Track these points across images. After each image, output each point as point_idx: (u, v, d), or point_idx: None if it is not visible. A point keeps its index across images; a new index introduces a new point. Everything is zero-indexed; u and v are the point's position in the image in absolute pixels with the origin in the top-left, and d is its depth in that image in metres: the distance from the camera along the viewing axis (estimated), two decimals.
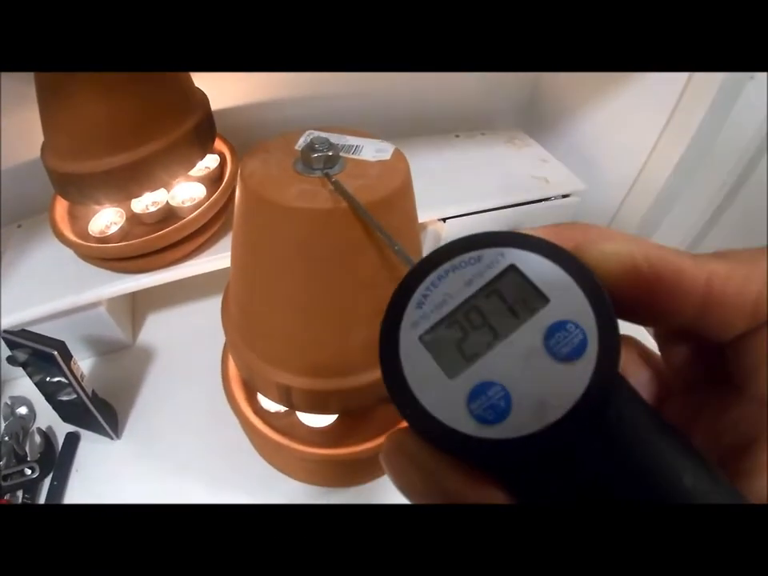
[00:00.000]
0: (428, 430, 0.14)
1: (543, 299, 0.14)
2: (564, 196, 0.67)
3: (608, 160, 0.71)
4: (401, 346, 0.15)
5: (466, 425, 0.13)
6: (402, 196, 0.36)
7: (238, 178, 0.36)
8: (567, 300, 0.14)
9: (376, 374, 0.40)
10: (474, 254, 0.15)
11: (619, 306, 0.14)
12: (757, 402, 0.14)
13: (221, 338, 0.51)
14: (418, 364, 0.14)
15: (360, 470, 0.50)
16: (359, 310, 0.37)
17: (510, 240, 0.15)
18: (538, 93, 0.79)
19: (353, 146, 0.38)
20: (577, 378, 0.13)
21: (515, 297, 0.14)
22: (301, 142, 0.38)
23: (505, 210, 0.64)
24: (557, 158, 0.71)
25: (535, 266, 0.14)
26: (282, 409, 0.49)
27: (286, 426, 0.48)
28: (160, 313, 0.67)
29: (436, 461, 0.14)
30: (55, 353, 0.47)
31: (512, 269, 0.15)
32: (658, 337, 0.18)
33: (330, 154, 0.35)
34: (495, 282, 0.15)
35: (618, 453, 0.13)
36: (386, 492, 0.52)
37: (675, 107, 0.60)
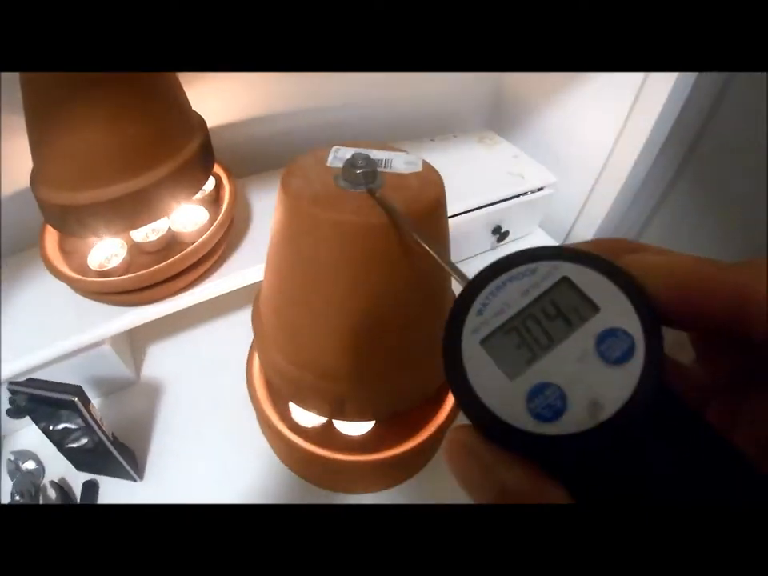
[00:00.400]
0: (490, 427, 0.15)
1: (594, 308, 0.16)
2: (539, 189, 0.71)
3: (575, 152, 0.76)
4: (463, 350, 0.16)
5: (526, 422, 0.15)
6: (442, 204, 0.38)
7: (282, 198, 0.36)
8: (616, 309, 0.15)
9: (425, 375, 0.41)
10: (529, 266, 0.17)
11: (661, 313, 0.15)
12: None
13: (226, 363, 0.51)
14: (480, 367, 0.16)
15: (397, 473, 0.51)
16: (417, 317, 0.38)
17: (562, 254, 0.17)
18: (503, 92, 0.83)
19: (383, 159, 0.39)
20: (626, 379, 0.14)
21: (568, 306, 0.16)
22: (331, 159, 0.39)
23: (487, 207, 0.67)
24: (527, 154, 0.75)
25: (586, 278, 0.16)
26: (318, 422, 0.49)
27: (324, 438, 0.48)
28: (159, 344, 0.64)
29: (495, 456, 0.15)
30: (75, 399, 0.44)
31: (565, 280, 0.16)
32: (695, 342, 0.19)
33: (370, 169, 0.36)
34: (550, 292, 0.16)
35: (663, 449, 0.15)
36: (424, 491, 0.53)
37: (637, 96, 0.64)
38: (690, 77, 0.61)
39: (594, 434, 0.14)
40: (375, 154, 0.40)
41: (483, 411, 0.15)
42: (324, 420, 0.49)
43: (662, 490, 0.14)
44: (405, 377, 0.41)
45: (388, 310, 0.37)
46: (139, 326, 0.62)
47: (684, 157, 0.77)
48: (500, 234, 0.72)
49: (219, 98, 0.61)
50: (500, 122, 0.85)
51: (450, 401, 0.51)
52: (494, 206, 0.68)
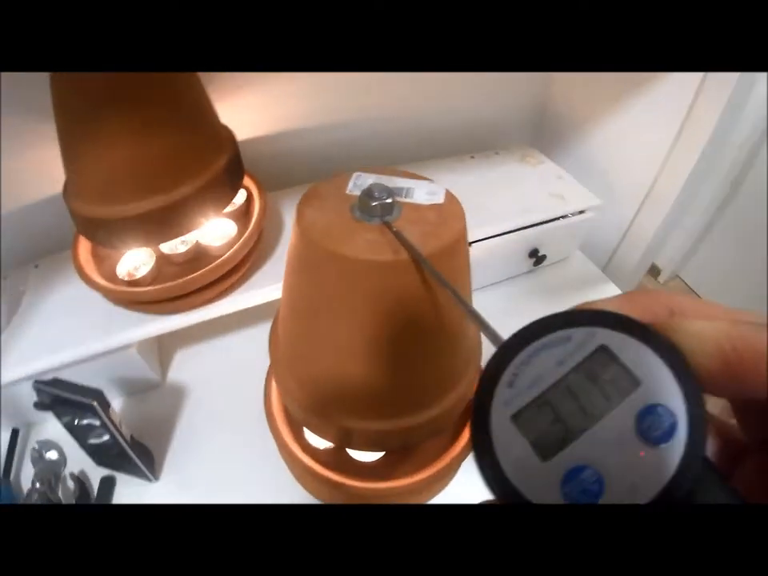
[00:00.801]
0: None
1: (634, 381, 0.14)
2: (581, 212, 0.68)
3: (620, 174, 0.72)
4: (492, 425, 0.15)
5: None
6: (461, 241, 0.37)
7: (295, 227, 0.36)
8: (658, 383, 0.14)
9: (433, 412, 0.40)
10: (563, 333, 0.15)
11: (704, 384, 0.14)
12: None
13: (251, 373, 0.51)
14: (510, 444, 0.15)
15: (409, 500, 0.50)
16: (424, 354, 0.37)
17: (598, 320, 0.15)
18: (548, 108, 0.80)
19: (403, 188, 0.38)
20: (666, 461, 0.13)
21: (606, 378, 0.15)
22: (351, 186, 0.38)
23: (525, 230, 0.65)
24: (570, 175, 0.72)
25: (625, 347, 0.15)
26: (330, 445, 0.49)
27: (335, 461, 0.48)
28: (188, 349, 0.66)
29: None
30: (95, 403, 0.46)
31: (602, 349, 0.15)
32: (733, 404, 0.18)
33: (389, 201, 0.35)
34: (586, 362, 0.15)
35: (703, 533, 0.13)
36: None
37: (685, 118, 0.61)
38: (744, 95, 0.56)
39: None
40: (395, 182, 0.39)
41: (513, 495, 0.14)
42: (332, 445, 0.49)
43: None
44: (414, 414, 0.40)
45: (397, 347, 0.36)
46: (169, 332, 0.64)
47: (734, 181, 0.73)
48: (537, 258, 0.70)
49: (253, 110, 0.61)
50: (544, 139, 0.82)
51: (466, 434, 0.50)
52: (532, 228, 0.66)
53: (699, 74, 0.58)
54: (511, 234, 0.64)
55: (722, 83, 0.56)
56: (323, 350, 0.38)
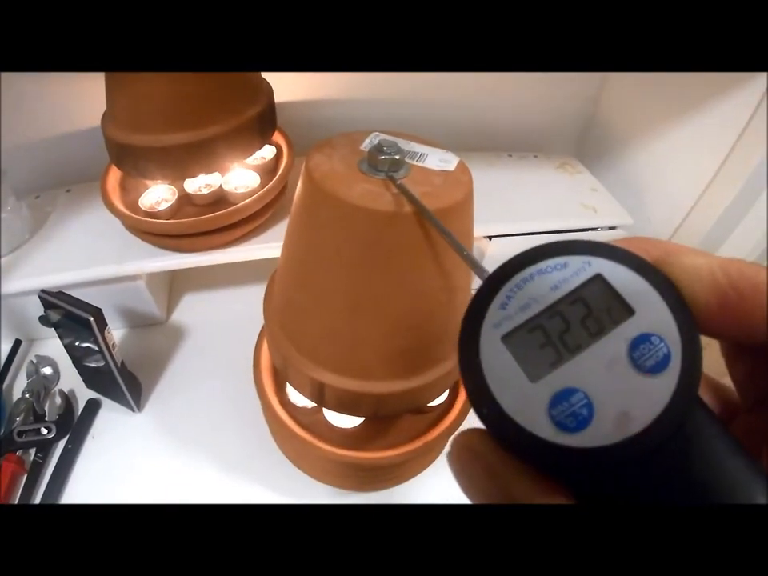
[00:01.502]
0: (505, 432, 0.14)
1: (628, 310, 0.14)
2: (611, 228, 0.66)
3: (658, 197, 0.70)
4: (481, 345, 0.15)
5: (545, 430, 0.13)
6: (464, 209, 0.36)
7: (303, 170, 0.36)
8: (652, 313, 0.14)
9: (411, 383, 0.39)
10: (560, 259, 0.15)
11: (699, 320, 0.14)
12: None
13: (254, 327, 0.52)
14: (498, 364, 0.14)
15: (378, 477, 0.49)
16: (407, 317, 0.36)
17: (597, 249, 0.15)
18: (595, 121, 0.79)
19: (418, 153, 0.38)
20: (659, 391, 0.13)
21: (600, 306, 0.14)
22: (367, 143, 0.38)
23: (551, 234, 0.64)
24: (606, 189, 0.70)
25: (621, 277, 0.14)
26: (309, 405, 0.48)
27: (310, 422, 0.48)
28: (197, 294, 0.67)
29: (505, 464, 0.14)
30: (91, 319, 0.47)
31: (598, 278, 0.15)
32: (726, 351, 0.17)
33: (397, 157, 0.35)
34: (581, 289, 0.15)
35: (693, 469, 0.13)
36: (403, 498, 0.51)
37: (731, 150, 0.59)
38: None
39: (620, 449, 0.13)
40: (411, 146, 0.38)
41: (498, 413, 0.14)
42: (314, 404, 0.49)
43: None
44: (390, 380, 0.39)
45: (379, 305, 0.36)
46: (181, 274, 0.66)
47: None
48: None
49: (297, 74, 0.62)
50: (586, 150, 0.80)
51: (450, 417, 0.49)
52: (558, 234, 0.64)
53: (753, 102, 0.55)
54: (535, 235, 0.63)
55: None
56: (308, 298, 0.38)
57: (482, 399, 0.14)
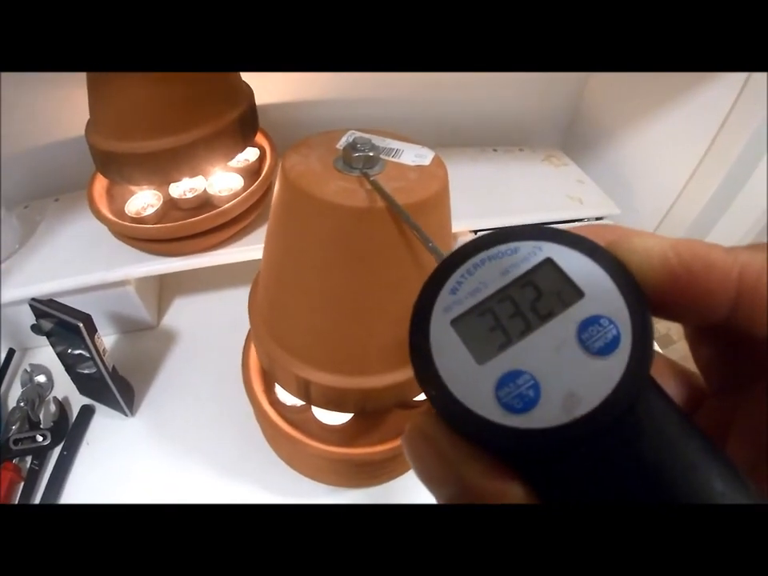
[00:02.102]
0: (452, 413, 0.14)
1: (578, 293, 0.14)
2: (597, 219, 0.66)
3: (644, 186, 0.70)
4: (431, 329, 0.15)
5: (492, 412, 0.13)
6: (438, 202, 0.36)
7: (279, 170, 0.36)
8: (602, 295, 0.14)
9: (396, 377, 0.40)
10: (511, 245, 0.15)
11: (652, 302, 0.14)
12: None
13: (244, 328, 0.52)
14: (447, 348, 0.15)
15: (370, 473, 0.50)
16: (386, 311, 0.37)
17: (547, 234, 0.15)
18: (580, 113, 0.79)
19: (393, 149, 0.38)
20: (608, 373, 0.13)
21: (550, 289, 0.14)
22: (343, 141, 0.39)
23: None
24: (593, 180, 0.70)
25: (571, 261, 0.15)
26: (298, 403, 0.49)
27: (300, 420, 0.48)
28: (186, 298, 0.68)
29: (456, 447, 0.14)
30: (81, 325, 0.48)
31: (548, 262, 0.15)
32: (689, 335, 0.17)
33: (371, 154, 0.35)
34: (531, 273, 0.15)
35: (644, 451, 0.13)
36: (394, 496, 0.51)
37: (714, 139, 0.60)
38: None
39: (568, 430, 0.13)
40: (387, 143, 0.39)
41: (446, 396, 0.14)
42: (303, 402, 0.49)
43: (639, 494, 0.13)
44: (373, 375, 0.39)
45: (359, 300, 0.36)
46: (171, 278, 0.66)
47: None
48: None
49: (279, 76, 0.62)
50: (571, 142, 0.80)
51: None
52: (546, 226, 0.64)
53: (734, 91, 0.56)
54: None
55: (755, 106, 0.54)
56: (290, 296, 0.39)
57: (431, 383, 0.14)
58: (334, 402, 0.42)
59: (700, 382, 0.18)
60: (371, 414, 0.48)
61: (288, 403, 0.49)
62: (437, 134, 0.72)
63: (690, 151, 0.63)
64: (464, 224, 0.61)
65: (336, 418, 0.48)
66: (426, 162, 0.37)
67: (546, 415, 0.13)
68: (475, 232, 0.62)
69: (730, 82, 0.57)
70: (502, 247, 0.15)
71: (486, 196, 0.64)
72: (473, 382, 0.14)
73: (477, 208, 0.62)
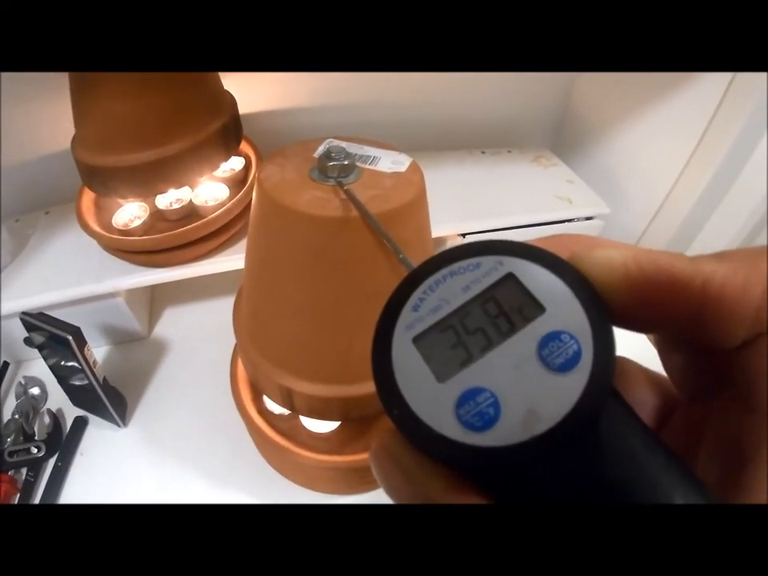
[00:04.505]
0: (413, 432, 0.14)
1: (539, 308, 0.14)
2: (588, 218, 0.66)
3: (634, 184, 0.70)
4: (393, 347, 0.15)
5: (453, 430, 0.13)
6: (414, 209, 0.36)
7: (255, 181, 0.37)
8: (563, 310, 0.14)
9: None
10: (472, 260, 0.15)
11: (616, 314, 0.14)
12: (758, 414, 0.13)
13: (234, 338, 0.52)
14: (408, 366, 0.14)
15: (360, 480, 0.50)
16: (366, 320, 0.36)
17: (509, 249, 0.15)
18: (568, 113, 0.79)
19: (371, 156, 0.38)
20: (569, 389, 0.13)
21: (511, 305, 0.14)
22: (320, 150, 0.39)
23: (526, 228, 0.64)
24: (582, 180, 0.70)
25: (533, 276, 0.14)
26: (286, 411, 0.49)
27: (288, 428, 0.48)
28: (177, 308, 0.68)
29: (419, 465, 0.14)
30: (70, 338, 0.48)
31: (510, 277, 0.15)
32: (658, 346, 0.17)
33: (346, 163, 0.35)
34: (492, 289, 0.15)
35: (607, 468, 0.13)
36: (385, 502, 0.51)
37: (703, 135, 0.59)
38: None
39: (527, 447, 0.13)
40: (364, 150, 0.39)
41: (407, 415, 0.14)
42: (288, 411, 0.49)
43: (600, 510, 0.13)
44: (355, 384, 0.39)
45: (338, 308, 0.36)
46: (161, 289, 0.67)
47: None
48: None
49: (265, 84, 0.63)
50: (560, 142, 0.80)
51: None
52: (534, 228, 0.64)
53: (721, 86, 0.55)
54: (509, 230, 0.63)
55: (743, 101, 0.54)
56: (270, 306, 0.39)
57: (392, 401, 0.14)
58: (317, 411, 0.42)
59: (672, 389, 0.18)
60: (358, 420, 0.48)
61: (276, 412, 0.49)
62: (424, 138, 0.71)
63: (679, 148, 0.62)
64: (452, 227, 0.61)
65: (324, 426, 0.48)
66: (403, 168, 0.37)
67: (506, 433, 0.13)
68: (464, 235, 0.62)
69: (717, 77, 0.56)
70: (464, 263, 0.15)
71: (475, 199, 0.64)
72: (434, 400, 0.14)
73: (465, 211, 0.62)
